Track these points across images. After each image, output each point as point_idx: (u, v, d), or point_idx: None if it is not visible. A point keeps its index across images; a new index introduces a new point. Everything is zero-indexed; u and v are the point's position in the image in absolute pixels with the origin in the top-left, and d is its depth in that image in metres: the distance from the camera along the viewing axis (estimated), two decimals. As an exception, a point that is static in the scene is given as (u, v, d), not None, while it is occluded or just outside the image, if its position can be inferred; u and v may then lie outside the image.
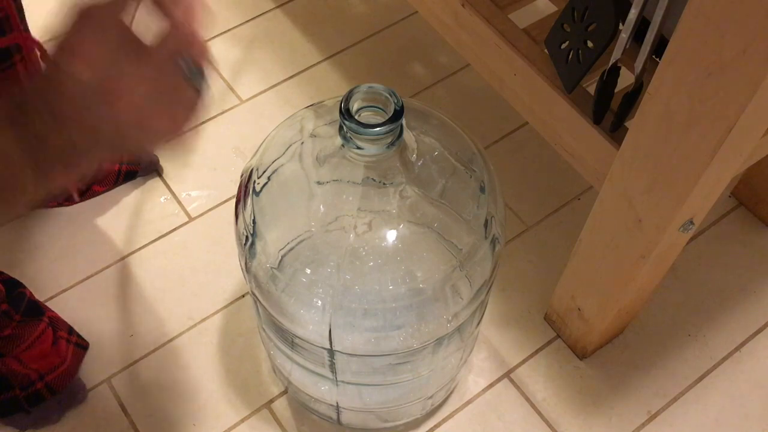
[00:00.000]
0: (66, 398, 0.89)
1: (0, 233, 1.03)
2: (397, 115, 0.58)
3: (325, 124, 0.68)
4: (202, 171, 1.10)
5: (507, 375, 0.94)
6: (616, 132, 0.70)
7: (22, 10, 0.78)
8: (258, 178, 0.68)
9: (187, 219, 1.06)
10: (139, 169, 1.06)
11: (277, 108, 1.16)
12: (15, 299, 0.88)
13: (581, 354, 0.95)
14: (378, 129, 0.58)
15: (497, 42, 0.77)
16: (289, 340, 0.73)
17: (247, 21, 1.25)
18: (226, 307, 0.98)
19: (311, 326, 0.68)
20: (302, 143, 0.68)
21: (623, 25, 0.64)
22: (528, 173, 1.10)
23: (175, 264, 1.01)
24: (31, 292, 0.92)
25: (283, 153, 0.68)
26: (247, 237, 0.67)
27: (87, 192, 1.03)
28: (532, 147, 1.12)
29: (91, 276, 1.00)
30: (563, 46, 0.70)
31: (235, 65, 1.20)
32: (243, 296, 0.99)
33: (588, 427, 0.91)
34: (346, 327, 0.67)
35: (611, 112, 0.70)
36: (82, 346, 0.92)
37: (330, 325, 0.66)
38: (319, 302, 0.66)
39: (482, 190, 0.68)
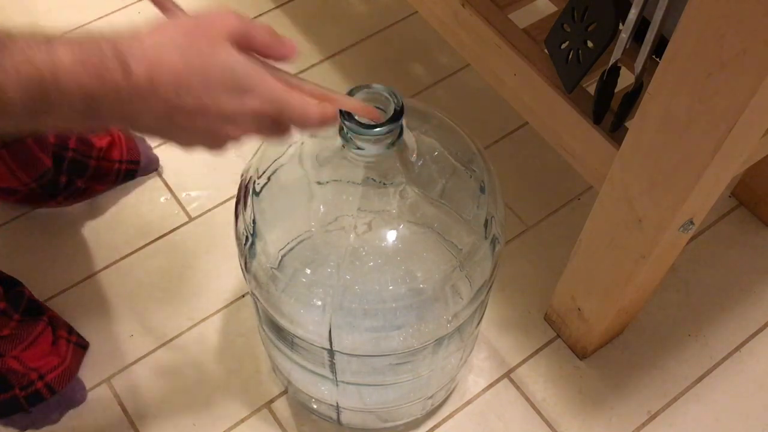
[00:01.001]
0: (66, 398, 0.89)
1: (0, 233, 1.03)
2: (398, 115, 0.58)
3: (325, 124, 0.68)
4: (202, 171, 1.10)
5: (507, 375, 0.94)
6: (616, 132, 0.70)
7: None
8: (258, 178, 0.68)
9: (187, 219, 1.06)
10: (139, 168, 1.06)
11: (277, 108, 1.16)
12: (13, 298, 0.88)
13: (581, 354, 0.95)
14: (378, 129, 0.58)
15: (497, 42, 0.77)
16: (289, 340, 0.73)
17: (247, 21, 1.25)
18: (226, 307, 0.98)
19: (311, 326, 0.68)
20: (302, 143, 0.68)
21: (623, 25, 0.64)
22: (528, 173, 1.10)
23: (175, 264, 1.01)
24: (30, 292, 0.92)
25: (283, 153, 0.68)
26: (247, 237, 0.68)
27: (87, 191, 1.03)
28: (532, 147, 1.12)
29: (91, 276, 1.00)
30: (563, 46, 0.70)
31: (235, 65, 1.20)
32: (243, 296, 0.99)
33: (588, 427, 0.91)
34: (346, 327, 0.67)
35: (611, 112, 0.70)
36: (82, 345, 0.92)
37: (330, 325, 0.66)
38: (319, 302, 0.66)
39: (482, 190, 0.68)
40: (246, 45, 0.48)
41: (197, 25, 0.46)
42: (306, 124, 0.51)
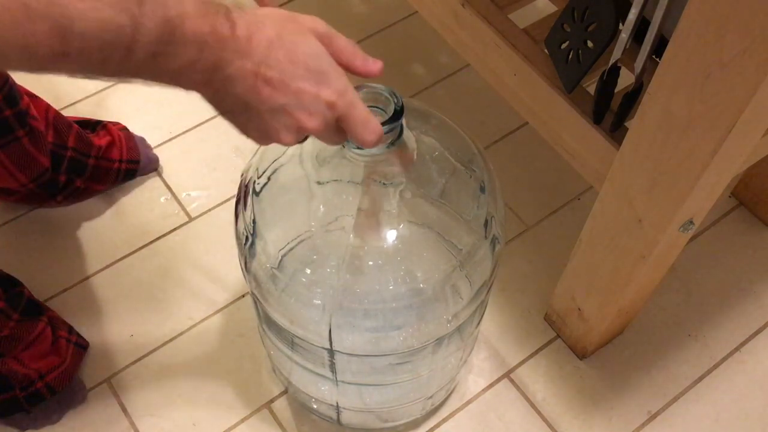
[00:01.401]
0: (66, 398, 0.89)
1: (0, 233, 1.03)
2: (397, 115, 0.58)
3: (325, 124, 0.68)
4: (202, 171, 1.10)
5: (507, 375, 0.94)
6: (616, 132, 0.70)
7: None
8: (258, 178, 0.68)
9: (187, 219, 1.06)
10: (138, 167, 1.06)
11: (277, 108, 1.16)
12: (13, 298, 0.88)
13: (581, 354, 0.95)
14: (378, 129, 0.58)
15: (497, 42, 0.77)
16: (289, 340, 0.73)
17: (247, 21, 1.25)
18: (226, 307, 0.98)
19: (311, 326, 0.68)
20: (302, 143, 0.68)
21: (623, 25, 0.64)
22: (528, 173, 1.10)
23: (175, 264, 1.01)
24: (30, 292, 0.92)
25: (283, 153, 0.68)
26: (247, 237, 0.67)
27: (86, 191, 1.03)
28: (532, 147, 1.12)
29: (91, 276, 1.00)
30: (563, 46, 0.70)
31: (235, 65, 1.20)
32: (243, 296, 0.99)
33: (588, 427, 0.91)
34: (346, 327, 0.67)
35: (611, 112, 0.70)
36: (82, 345, 0.92)
37: (330, 325, 0.66)
38: (319, 302, 0.66)
39: (482, 190, 0.68)
40: (329, 48, 0.52)
41: (292, 16, 0.52)
42: (365, 133, 0.53)
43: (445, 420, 0.91)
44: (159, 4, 0.42)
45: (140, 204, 1.06)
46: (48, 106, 0.96)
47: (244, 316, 0.97)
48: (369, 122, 0.53)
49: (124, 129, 1.07)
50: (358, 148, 0.60)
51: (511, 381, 0.94)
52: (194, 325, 0.97)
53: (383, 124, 0.58)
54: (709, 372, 0.95)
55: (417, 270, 0.66)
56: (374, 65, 0.55)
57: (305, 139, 0.54)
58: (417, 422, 0.90)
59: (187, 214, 1.06)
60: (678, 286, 1.01)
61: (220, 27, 0.45)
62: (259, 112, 0.49)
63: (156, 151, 1.09)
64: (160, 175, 1.09)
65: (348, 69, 0.53)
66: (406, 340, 0.69)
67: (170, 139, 1.12)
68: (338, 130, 0.53)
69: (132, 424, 0.90)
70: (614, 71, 0.67)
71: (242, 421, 0.90)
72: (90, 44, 0.41)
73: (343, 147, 0.61)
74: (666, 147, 0.63)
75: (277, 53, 0.48)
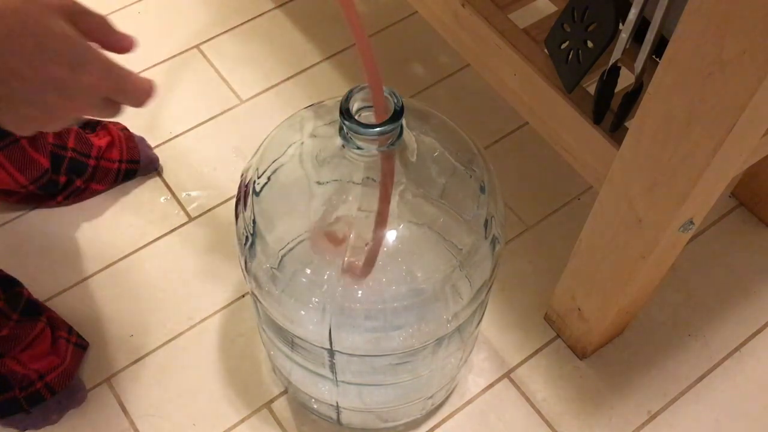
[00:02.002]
0: (66, 398, 0.89)
1: (0, 233, 1.03)
2: (397, 115, 0.58)
3: (325, 124, 0.68)
4: (202, 171, 1.10)
5: (507, 375, 0.94)
6: (616, 132, 0.70)
7: None
8: (258, 178, 0.68)
9: (187, 219, 1.06)
10: (138, 167, 1.06)
11: (277, 108, 1.16)
12: (12, 298, 0.88)
13: (581, 354, 0.95)
14: (378, 129, 0.58)
15: (497, 42, 0.77)
16: (289, 340, 0.73)
17: (247, 21, 1.25)
18: (226, 307, 0.98)
19: (311, 326, 0.68)
20: (302, 143, 0.68)
21: (623, 25, 0.64)
22: (528, 173, 1.10)
23: (175, 264, 1.01)
24: (29, 292, 0.92)
25: (283, 153, 0.68)
26: (247, 237, 0.68)
27: (86, 191, 1.03)
28: (532, 147, 1.12)
29: (91, 276, 1.00)
30: (563, 46, 0.70)
31: (235, 65, 1.20)
32: (243, 296, 0.99)
33: (588, 427, 0.91)
34: (346, 327, 0.67)
35: (611, 112, 0.70)
36: (81, 346, 0.92)
37: (330, 325, 0.66)
38: (319, 302, 0.66)
39: (482, 190, 0.68)
40: (79, 26, 0.48)
41: None
42: (140, 100, 0.51)
43: (445, 420, 0.91)
44: None
45: (140, 204, 1.06)
46: None
47: (244, 316, 0.97)
48: (139, 87, 0.50)
49: (125, 129, 1.07)
50: (358, 147, 0.60)
51: (511, 381, 0.94)
52: (194, 325, 0.97)
53: (383, 124, 0.58)
54: (709, 372, 0.95)
55: (417, 270, 0.66)
56: (128, 41, 0.51)
57: (78, 120, 0.50)
58: (417, 422, 0.90)
59: (187, 214, 1.06)
60: (678, 286, 1.01)
61: None
62: (11, 103, 0.46)
63: (156, 151, 1.09)
64: (160, 175, 1.09)
65: (102, 46, 0.50)
66: (406, 340, 0.69)
67: (170, 139, 1.12)
68: (109, 104, 0.50)
69: (132, 424, 0.90)
70: (614, 71, 0.67)
71: (242, 421, 0.90)
72: None
73: (343, 147, 0.61)
74: (666, 147, 0.63)
75: (21, 40, 0.44)
